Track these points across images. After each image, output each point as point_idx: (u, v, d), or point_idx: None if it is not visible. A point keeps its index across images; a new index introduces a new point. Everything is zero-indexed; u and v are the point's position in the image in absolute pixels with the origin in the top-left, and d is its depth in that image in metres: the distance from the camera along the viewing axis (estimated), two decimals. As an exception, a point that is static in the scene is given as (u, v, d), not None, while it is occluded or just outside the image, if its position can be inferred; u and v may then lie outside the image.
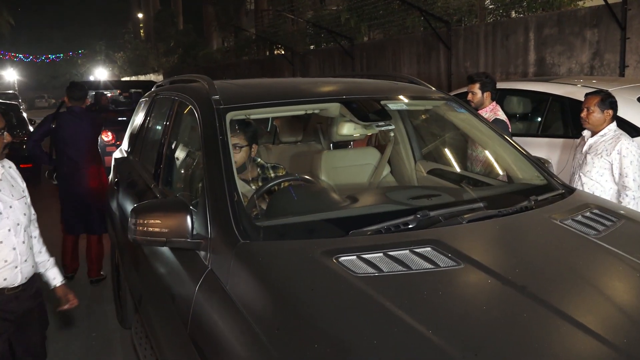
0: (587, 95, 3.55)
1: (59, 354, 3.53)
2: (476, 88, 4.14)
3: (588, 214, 2.06)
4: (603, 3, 6.80)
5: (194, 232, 1.93)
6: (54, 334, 3.81)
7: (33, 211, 2.55)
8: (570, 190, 2.39)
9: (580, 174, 3.48)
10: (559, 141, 4.30)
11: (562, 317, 1.41)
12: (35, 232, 2.55)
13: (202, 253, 1.91)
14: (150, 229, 1.93)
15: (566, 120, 4.40)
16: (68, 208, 4.71)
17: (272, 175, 2.84)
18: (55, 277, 2.58)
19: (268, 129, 4.02)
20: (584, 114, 3.51)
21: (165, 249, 2.21)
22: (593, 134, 3.51)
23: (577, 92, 4.37)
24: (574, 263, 1.70)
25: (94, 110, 6.34)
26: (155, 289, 2.34)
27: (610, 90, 4.21)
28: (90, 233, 4.73)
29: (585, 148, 3.52)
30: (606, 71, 7.02)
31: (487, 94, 4.11)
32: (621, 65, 6.79)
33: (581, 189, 3.37)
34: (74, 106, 4.65)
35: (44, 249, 2.58)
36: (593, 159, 3.42)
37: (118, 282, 3.82)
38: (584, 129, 3.57)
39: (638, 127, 3.85)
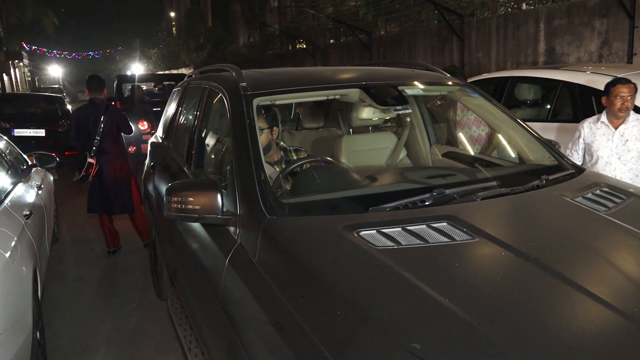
0: (618, 83, 3.35)
1: (103, 323, 3.60)
2: None
3: (598, 191, 2.01)
4: (612, -7, 6.58)
5: (224, 209, 1.94)
6: (98, 305, 3.89)
7: None
8: (580, 170, 2.33)
9: (621, 160, 3.32)
10: (569, 125, 4.20)
11: (573, 286, 1.38)
12: None
13: (231, 228, 1.92)
14: (184, 206, 1.94)
15: (575, 106, 4.29)
16: (93, 190, 4.80)
17: (295, 157, 2.84)
18: None
19: (292, 116, 4.00)
20: (619, 102, 3.31)
21: (198, 226, 2.22)
22: (619, 121, 3.36)
23: (586, 78, 4.25)
24: (585, 237, 1.66)
25: (112, 101, 6.41)
26: (188, 263, 2.36)
27: (619, 76, 4.09)
28: (118, 213, 4.86)
29: (619, 135, 3.34)
30: (614, 59, 6.82)
31: None
32: (629, 53, 6.59)
33: (620, 177, 3.26)
34: (94, 97, 4.74)
35: None
36: (635, 144, 3.28)
37: (155, 258, 3.87)
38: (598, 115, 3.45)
39: (646, 112, 3.72)
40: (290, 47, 18.33)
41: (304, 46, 16.08)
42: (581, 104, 4.21)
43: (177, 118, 3.62)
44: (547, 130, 4.11)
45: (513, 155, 2.87)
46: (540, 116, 4.55)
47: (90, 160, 4.65)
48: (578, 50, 7.30)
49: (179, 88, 3.85)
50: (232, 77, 2.51)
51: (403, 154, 3.24)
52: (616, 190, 2.04)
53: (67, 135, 4.93)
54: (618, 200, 1.94)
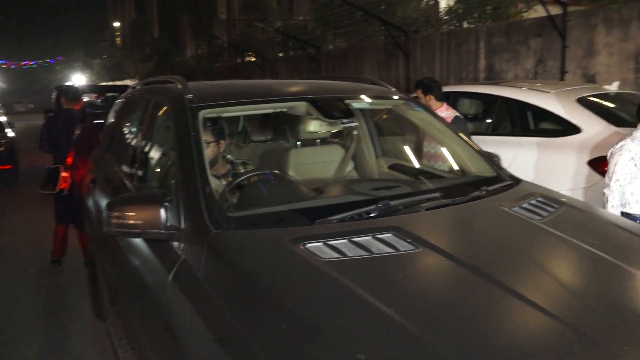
0: None
1: (35, 344, 3.41)
2: (419, 93, 4.24)
3: (533, 201, 2.10)
4: (546, 14, 6.98)
5: (168, 224, 1.89)
6: (32, 327, 3.68)
7: None
8: (517, 181, 2.44)
9: None
10: (506, 139, 4.39)
11: (511, 293, 1.43)
12: None
13: (175, 244, 1.87)
14: (125, 221, 1.88)
15: (513, 120, 4.49)
16: (62, 201, 4.66)
17: (242, 170, 2.81)
18: None
19: (239, 129, 3.97)
20: None
21: (140, 242, 2.15)
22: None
23: (522, 94, 4.46)
24: (521, 245, 1.73)
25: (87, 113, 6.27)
26: (130, 280, 2.28)
27: (551, 92, 4.32)
28: (76, 226, 4.69)
29: None
30: (548, 76, 7.21)
31: (429, 97, 4.19)
32: (562, 71, 6.99)
33: None
34: (70, 108, 4.59)
35: None
36: None
37: (94, 276, 3.71)
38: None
39: (577, 126, 3.95)
40: (239, 60, 18.26)
41: (253, 59, 16.06)
42: (518, 119, 4.41)
43: (120, 131, 3.52)
44: (488, 143, 4.27)
45: (456, 167, 2.97)
46: (481, 130, 4.74)
47: (63, 174, 4.47)
48: (515, 68, 7.67)
49: (122, 100, 3.75)
50: (177, 89, 2.47)
51: (350, 166, 3.28)
52: (549, 199, 2.15)
53: None
54: (551, 209, 2.04)
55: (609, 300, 1.46)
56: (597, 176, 3.65)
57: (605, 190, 3.14)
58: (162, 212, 1.88)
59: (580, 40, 6.78)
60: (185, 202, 1.91)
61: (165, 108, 2.51)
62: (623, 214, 3.07)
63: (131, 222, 1.88)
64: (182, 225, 1.86)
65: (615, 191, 3.08)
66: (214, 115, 2.50)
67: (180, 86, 2.45)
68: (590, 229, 1.96)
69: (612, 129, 3.80)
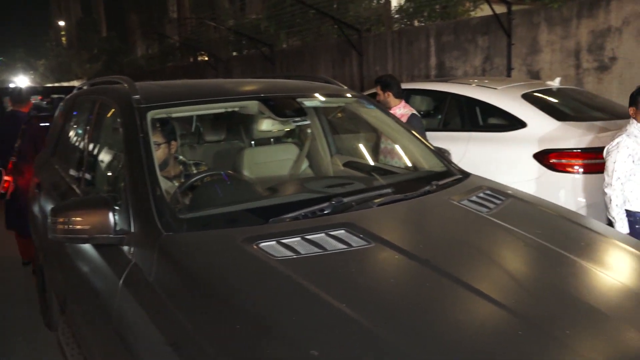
0: None
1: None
2: (378, 89, 4.30)
3: (481, 194, 2.17)
4: (492, 13, 7.21)
5: (117, 228, 1.85)
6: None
7: None
8: (467, 175, 2.51)
9: None
10: (457, 134, 4.51)
11: (460, 284, 1.48)
12: None
13: (125, 248, 1.83)
14: (72, 226, 1.82)
15: (462, 116, 4.61)
16: (11, 206, 4.48)
17: (195, 171, 2.77)
18: None
19: (192, 130, 3.91)
20: None
21: (89, 247, 2.09)
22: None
23: (471, 91, 4.59)
24: (470, 237, 1.79)
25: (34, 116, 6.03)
26: (79, 287, 2.21)
27: (498, 89, 4.48)
28: (19, 233, 4.51)
29: None
30: (496, 73, 7.45)
31: (387, 94, 4.25)
32: (508, 68, 7.23)
33: None
34: (17, 110, 4.39)
35: None
36: None
37: (43, 285, 3.57)
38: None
39: (523, 121, 4.10)
40: (191, 59, 17.95)
41: (206, 58, 15.83)
42: (467, 114, 4.54)
43: (66, 134, 3.40)
44: (439, 138, 4.38)
45: (409, 163, 3.03)
46: (432, 126, 4.84)
47: (5, 177, 4.25)
48: (464, 65, 7.89)
49: (68, 102, 3.62)
50: (124, 90, 2.41)
51: (305, 164, 3.29)
52: (496, 192, 2.23)
53: None
54: (498, 202, 2.11)
55: (553, 287, 1.53)
56: (542, 169, 3.81)
57: (606, 190, 3.12)
58: (111, 215, 1.84)
59: (524, 38, 7.04)
60: (135, 205, 1.87)
61: (112, 109, 2.44)
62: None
63: (78, 227, 1.83)
64: (132, 229, 1.82)
65: (618, 189, 3.06)
66: (164, 115, 2.45)
67: (127, 86, 2.39)
68: (534, 220, 2.05)
69: (556, 123, 3.96)
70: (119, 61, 23.10)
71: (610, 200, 3.13)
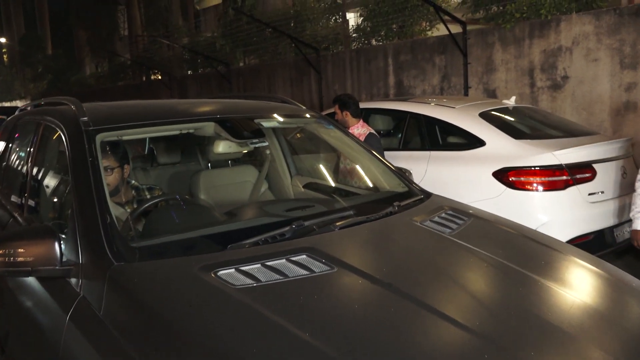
0: None
1: None
2: (336, 108, 4.37)
3: (443, 214, 2.21)
4: (447, 33, 7.45)
5: (64, 259, 1.77)
6: None
7: None
8: (428, 195, 2.56)
9: None
10: (417, 153, 4.60)
11: (425, 308, 1.49)
12: None
13: (73, 280, 1.75)
14: (13, 258, 1.73)
15: (422, 135, 4.71)
16: None
17: (148, 196, 2.71)
18: None
19: (145, 152, 3.83)
20: None
21: (33, 280, 1.99)
22: None
23: (430, 109, 4.71)
24: (433, 258, 1.81)
25: None
26: (22, 324, 2.10)
27: (456, 107, 4.61)
28: None
29: None
30: (453, 92, 7.68)
31: (345, 113, 4.32)
32: (465, 87, 7.46)
33: None
34: None
35: None
36: None
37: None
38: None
39: (481, 139, 4.22)
40: (144, 78, 17.70)
41: (159, 77, 15.64)
42: (427, 133, 4.64)
43: (7, 158, 3.26)
44: (400, 158, 4.46)
45: (370, 184, 3.06)
46: (392, 145, 4.93)
47: None
48: (423, 84, 8.10)
49: (9, 124, 3.48)
50: (71, 111, 2.34)
51: (264, 187, 3.27)
52: (458, 212, 2.27)
53: None
54: (460, 222, 2.15)
55: (516, 308, 1.56)
56: (502, 187, 3.92)
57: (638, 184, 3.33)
58: (57, 246, 1.76)
59: (480, 57, 7.30)
60: (83, 233, 1.80)
61: (58, 132, 2.36)
62: None
63: (20, 259, 1.74)
64: (81, 260, 1.75)
65: None
66: (114, 138, 2.39)
67: (74, 108, 2.32)
68: (496, 239, 2.10)
69: (513, 141, 4.10)
70: (65, 80, 22.51)
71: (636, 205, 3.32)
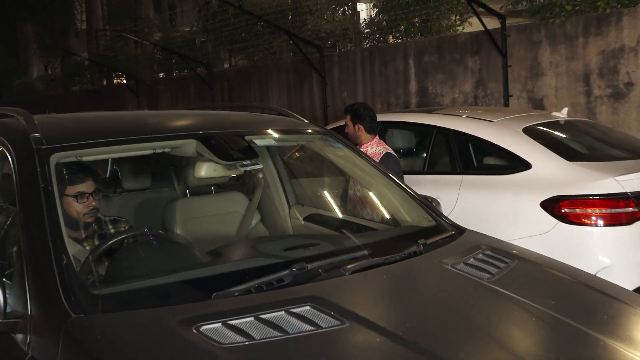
0: None
1: None
2: (348, 120, 4.41)
3: (480, 255, 2.22)
4: (482, 29, 7.56)
5: (8, 310, 1.79)
6: None
7: None
8: (461, 230, 2.58)
9: None
10: (446, 178, 4.62)
11: (459, 374, 1.49)
12: None
13: (19, 336, 1.77)
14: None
15: (452, 155, 4.75)
16: None
17: (112, 231, 2.74)
18: None
19: (107, 175, 3.87)
20: None
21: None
22: None
23: (462, 123, 4.75)
24: (469, 311, 1.82)
25: None
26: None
27: (494, 121, 4.65)
28: None
29: None
30: (491, 101, 7.75)
31: (359, 127, 4.35)
32: (505, 95, 7.53)
33: None
34: None
35: None
36: None
37: None
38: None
39: (526, 161, 4.24)
40: (105, 82, 17.90)
41: (124, 81, 15.82)
42: (458, 153, 4.67)
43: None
44: (424, 184, 4.49)
45: (387, 216, 3.08)
46: (415, 168, 4.96)
47: None
48: (452, 91, 8.19)
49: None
50: (19, 126, 2.38)
51: (256, 219, 3.30)
52: (499, 253, 2.29)
53: None
54: (502, 265, 2.17)
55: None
56: (552, 220, 3.93)
57: None
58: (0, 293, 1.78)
59: (523, 59, 7.40)
60: (33, 277, 1.83)
61: (1, 151, 2.40)
62: None
63: (-48, 311, 1.76)
64: (30, 311, 1.77)
65: None
66: (72, 159, 2.42)
67: (23, 121, 2.36)
68: (547, 287, 2.11)
69: (566, 163, 4.12)
70: (8, 84, 22.77)
71: None
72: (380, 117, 5.33)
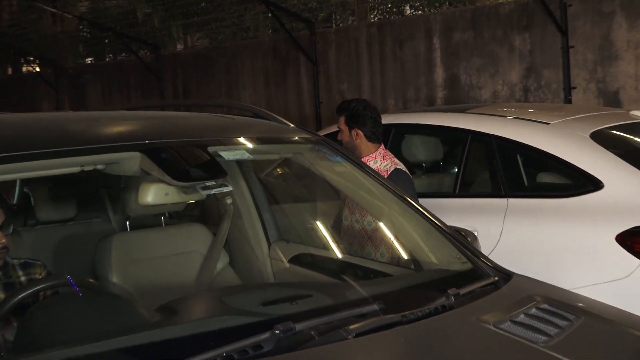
0: None
1: None
2: (342, 123, 4.27)
3: (534, 310, 2.23)
4: (534, -4, 7.61)
5: None
6: None
7: None
8: (507, 275, 2.59)
9: None
10: (486, 202, 4.62)
11: None
12: None
13: None
14: None
15: (494, 171, 4.75)
16: None
17: (23, 279, 2.75)
18: None
19: (15, 201, 3.88)
20: None
21: None
22: None
23: (507, 127, 4.76)
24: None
25: None
26: None
27: (551, 123, 4.67)
28: None
29: None
30: (546, 95, 7.75)
31: (356, 132, 4.21)
32: (566, 87, 7.52)
33: None
34: None
35: None
36: None
37: None
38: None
39: (596, 179, 4.23)
40: (10, 70, 17.90)
41: (37, 69, 15.83)
42: (502, 168, 4.67)
43: None
44: (454, 210, 4.49)
45: (404, 255, 3.09)
46: (443, 188, 4.97)
47: None
48: (493, 81, 8.19)
49: None
50: None
51: (223, 261, 3.29)
52: (559, 306, 2.30)
53: None
54: (564, 323, 2.17)
55: None
56: (632, 260, 3.93)
57: None
58: None
59: (590, 37, 7.43)
60: None
61: None
62: None
63: None
64: None
65: None
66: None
67: None
68: (624, 353, 2.12)
69: (651, 182, 4.14)
70: None
71: None
72: (392, 119, 5.33)
